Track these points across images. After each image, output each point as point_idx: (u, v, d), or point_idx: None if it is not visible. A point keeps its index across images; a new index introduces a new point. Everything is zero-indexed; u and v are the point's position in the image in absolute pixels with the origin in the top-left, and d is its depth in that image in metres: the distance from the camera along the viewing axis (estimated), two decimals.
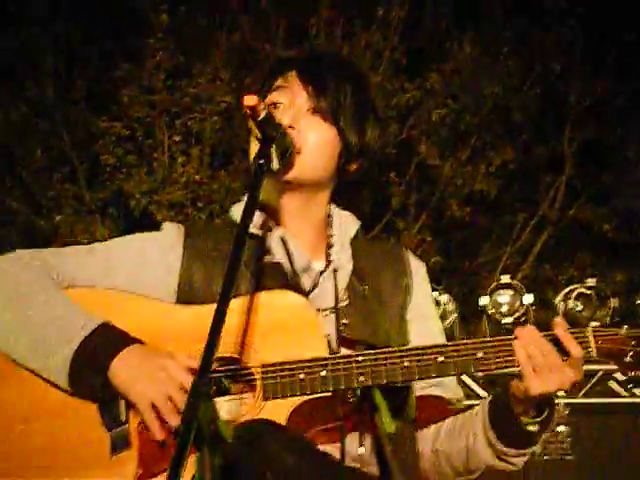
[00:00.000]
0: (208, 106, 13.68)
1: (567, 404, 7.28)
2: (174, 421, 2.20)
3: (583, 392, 7.56)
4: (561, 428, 7.16)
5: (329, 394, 2.29)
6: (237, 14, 14.25)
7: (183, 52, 14.11)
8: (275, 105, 2.58)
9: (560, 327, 2.33)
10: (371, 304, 2.57)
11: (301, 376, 2.28)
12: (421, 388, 2.59)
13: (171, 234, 2.62)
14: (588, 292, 8.13)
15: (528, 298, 8.17)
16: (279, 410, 2.26)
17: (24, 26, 13.58)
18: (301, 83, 2.58)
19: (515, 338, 2.31)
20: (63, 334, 2.31)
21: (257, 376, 2.30)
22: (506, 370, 2.36)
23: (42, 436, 2.34)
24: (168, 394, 2.19)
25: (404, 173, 14.32)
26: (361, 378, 2.28)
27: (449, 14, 14.29)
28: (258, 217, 2.59)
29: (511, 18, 14.32)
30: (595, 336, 2.33)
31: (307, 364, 2.29)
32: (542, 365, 2.28)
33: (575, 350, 2.28)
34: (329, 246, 2.65)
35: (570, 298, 8.11)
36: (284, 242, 2.56)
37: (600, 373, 7.51)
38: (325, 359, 2.30)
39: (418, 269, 2.80)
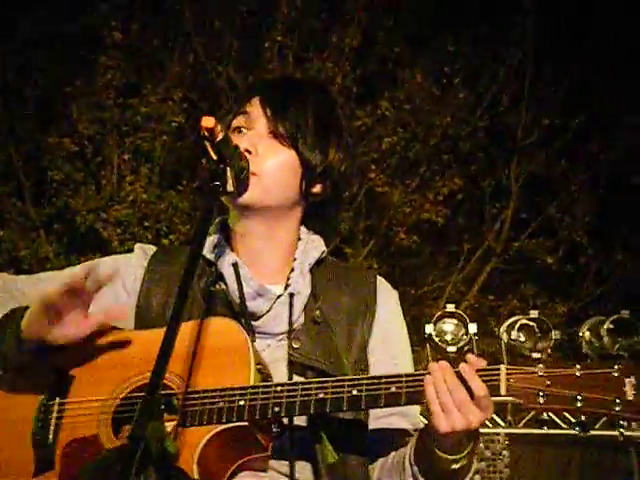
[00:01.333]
0: (159, 125, 13.64)
1: (507, 434, 7.34)
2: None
3: (523, 422, 7.63)
4: (501, 457, 7.22)
5: (245, 424, 2.25)
6: (190, 34, 14.26)
7: (135, 70, 14.07)
8: (238, 130, 2.57)
9: (467, 364, 2.23)
10: (325, 330, 2.55)
11: (220, 404, 2.24)
12: (379, 417, 2.56)
13: (137, 257, 2.63)
14: (531, 323, 8.20)
15: (472, 328, 8.22)
16: (195, 437, 2.23)
17: None
18: (261, 107, 2.58)
19: (428, 373, 2.24)
20: None
21: (178, 403, 2.26)
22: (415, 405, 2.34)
23: None
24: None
25: (353, 199, 14.39)
26: (275, 409, 2.24)
27: (401, 43, 14.43)
28: (215, 242, 2.61)
29: (462, 49, 14.52)
30: (508, 374, 2.21)
31: (229, 392, 2.25)
32: (448, 402, 2.19)
33: (477, 387, 2.19)
34: (292, 270, 2.62)
35: (513, 329, 8.17)
36: (235, 268, 2.53)
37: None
38: (245, 388, 2.26)
39: (387, 297, 2.73)
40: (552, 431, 7.61)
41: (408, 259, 15.25)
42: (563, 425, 7.62)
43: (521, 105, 14.98)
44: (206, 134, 2.21)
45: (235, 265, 2.53)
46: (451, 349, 8.26)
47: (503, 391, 2.20)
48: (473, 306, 14.52)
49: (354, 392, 2.24)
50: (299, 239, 2.68)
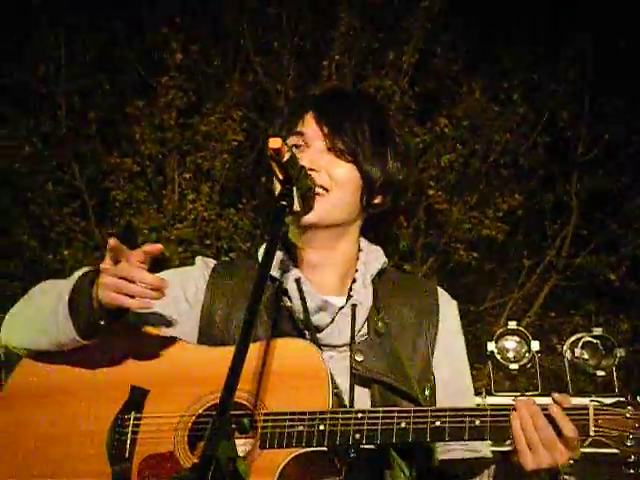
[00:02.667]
0: (219, 144, 13.76)
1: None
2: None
3: (589, 441, 7.52)
4: (567, 477, 7.11)
5: (324, 449, 2.26)
6: (250, 54, 14.40)
7: (195, 90, 14.23)
8: (295, 147, 2.55)
9: (556, 404, 2.22)
10: (389, 341, 2.54)
11: (300, 428, 2.25)
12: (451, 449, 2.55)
13: (200, 269, 2.65)
14: (594, 341, 8.09)
15: (535, 345, 8.14)
16: (274, 459, 2.23)
17: (40, 61, 13.74)
18: (316, 124, 2.58)
19: (513, 409, 2.23)
20: (57, 298, 2.41)
21: (258, 424, 2.28)
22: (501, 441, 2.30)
23: (49, 463, 2.37)
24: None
25: (412, 216, 14.36)
26: (357, 436, 2.24)
27: (460, 59, 14.41)
28: (278, 258, 2.59)
29: (520, 64, 14.45)
30: (596, 414, 2.19)
31: (308, 416, 2.25)
32: (535, 440, 2.19)
33: (568, 430, 2.18)
34: (353, 281, 2.63)
35: (577, 347, 8.07)
36: (298, 284, 2.55)
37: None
38: (324, 413, 2.27)
39: (449, 308, 2.73)
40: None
41: (468, 276, 15.16)
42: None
43: (581, 120, 14.84)
44: (273, 155, 2.24)
45: (298, 281, 2.56)
46: (513, 367, 8.18)
47: (592, 432, 2.18)
48: (535, 323, 14.37)
49: (437, 423, 2.24)
50: (359, 250, 2.70)
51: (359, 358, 2.46)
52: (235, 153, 13.94)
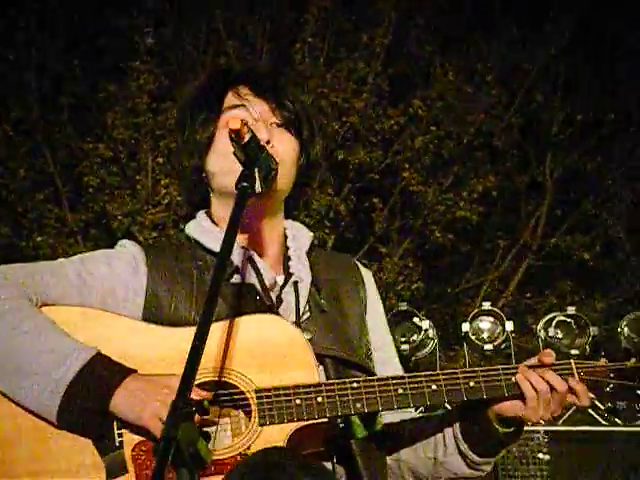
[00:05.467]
0: None
1: (547, 432, 7.29)
2: None
3: (562, 420, 7.58)
4: (541, 456, 7.16)
5: (325, 420, 2.29)
6: (222, 38, 14.32)
7: (167, 75, 14.15)
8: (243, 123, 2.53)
9: (547, 357, 2.45)
10: (332, 316, 2.59)
11: (297, 402, 2.27)
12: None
13: (134, 253, 2.58)
14: (568, 320, 8.16)
15: (509, 325, 8.19)
16: (277, 436, 2.25)
17: (9, 48, 13.61)
18: (258, 97, 2.59)
19: (515, 372, 2.40)
20: (57, 365, 2.24)
21: (252, 401, 2.28)
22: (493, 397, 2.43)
23: (31, 461, 2.28)
24: None
25: (387, 199, 14.38)
26: (357, 405, 2.29)
27: (433, 41, 14.40)
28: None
29: (494, 46, 14.46)
30: (577, 368, 2.44)
31: (302, 389, 2.28)
32: (547, 402, 2.39)
33: (561, 386, 2.39)
34: (287, 259, 2.65)
35: (550, 326, 8.14)
36: (252, 261, 2.56)
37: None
38: (319, 385, 2.29)
39: (369, 277, 2.83)
40: (592, 428, 7.56)
41: (444, 258, 15.22)
42: (603, 422, 7.57)
43: (555, 101, 14.88)
44: (233, 136, 2.22)
45: (251, 258, 2.56)
46: (488, 347, 8.25)
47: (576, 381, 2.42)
48: (510, 304, 14.45)
49: (433, 387, 2.35)
50: (284, 228, 2.72)
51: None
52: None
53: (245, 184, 2.26)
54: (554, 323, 8.13)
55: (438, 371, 2.40)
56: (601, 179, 14.99)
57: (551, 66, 14.66)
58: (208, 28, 14.46)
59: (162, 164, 13.81)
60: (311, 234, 2.76)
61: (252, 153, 2.28)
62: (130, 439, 2.27)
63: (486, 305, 8.46)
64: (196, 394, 2.14)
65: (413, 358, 8.36)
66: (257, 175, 2.30)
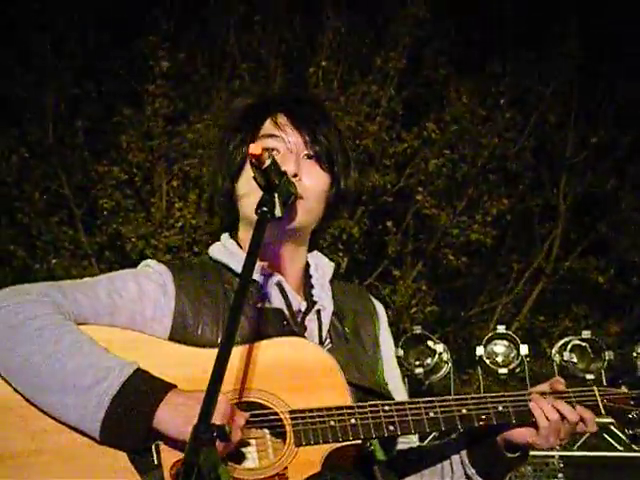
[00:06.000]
0: (206, 151, 13.75)
1: (562, 457, 7.25)
2: (225, 451, 2.15)
3: (577, 445, 7.53)
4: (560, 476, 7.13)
5: (358, 442, 2.31)
6: (236, 61, 14.41)
7: (182, 98, 14.23)
8: (270, 151, 2.52)
9: (559, 385, 2.52)
10: (353, 345, 2.62)
11: (332, 423, 2.29)
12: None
13: (162, 273, 2.57)
14: (583, 344, 8.13)
15: (523, 349, 8.17)
16: (313, 456, 2.26)
17: (27, 72, 13.73)
18: (294, 129, 2.60)
19: (530, 397, 2.45)
20: (99, 380, 2.22)
21: (286, 422, 2.29)
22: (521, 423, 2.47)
23: (73, 478, 2.23)
24: None
25: (401, 222, 14.38)
26: (390, 427, 2.32)
27: (447, 65, 14.44)
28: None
29: (508, 69, 14.49)
30: (600, 395, 2.50)
31: (335, 411, 2.30)
32: (557, 429, 2.44)
33: (572, 416, 2.44)
34: (310, 287, 2.67)
35: (565, 350, 8.11)
36: (281, 288, 2.57)
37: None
38: (352, 407, 2.31)
39: (382, 309, 2.86)
40: (608, 454, 7.51)
41: (457, 280, 15.18)
42: (619, 447, 7.52)
43: (569, 124, 14.88)
44: (254, 161, 2.23)
45: (279, 284, 2.58)
46: (502, 371, 8.22)
47: (602, 411, 2.50)
48: (524, 327, 14.40)
49: (464, 411, 2.38)
50: (307, 257, 2.74)
51: None
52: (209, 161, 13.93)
53: (265, 209, 2.27)
54: (569, 347, 8.11)
55: (466, 395, 2.42)
56: (615, 202, 14.96)
57: (564, 88, 14.67)
58: (222, 51, 14.55)
59: (176, 187, 13.87)
60: (332, 264, 2.78)
61: (272, 178, 2.29)
62: (168, 457, 2.24)
63: (500, 329, 8.44)
64: (233, 415, 2.17)
65: (427, 382, 8.34)
66: (277, 200, 2.31)
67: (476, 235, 14.27)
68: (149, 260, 2.67)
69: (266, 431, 2.33)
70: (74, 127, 13.95)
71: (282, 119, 2.62)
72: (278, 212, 2.31)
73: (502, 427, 2.46)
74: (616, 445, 7.54)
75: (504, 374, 8.25)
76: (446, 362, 8.37)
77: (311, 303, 2.62)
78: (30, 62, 13.76)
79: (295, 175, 2.52)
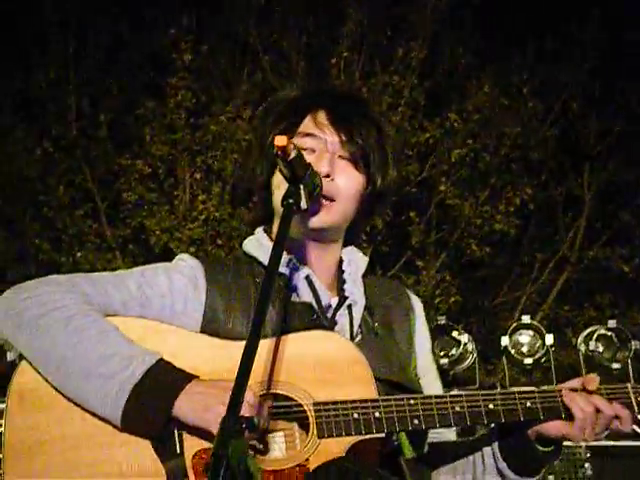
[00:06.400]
0: (229, 144, 13.78)
1: (589, 447, 7.21)
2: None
3: (605, 434, 7.48)
4: (584, 471, 7.09)
5: (382, 435, 2.31)
6: (258, 54, 14.42)
7: (204, 91, 14.26)
8: (307, 150, 2.55)
9: (592, 384, 2.47)
10: (384, 340, 2.61)
11: (355, 416, 2.29)
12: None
13: (193, 267, 2.58)
14: (609, 334, 8.08)
15: (549, 339, 8.13)
16: (335, 449, 2.27)
17: (50, 66, 13.81)
18: (332, 129, 2.58)
19: (561, 394, 2.43)
20: (122, 368, 2.27)
21: (310, 414, 2.30)
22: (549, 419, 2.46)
23: (92, 465, 2.30)
24: None
25: (424, 212, 14.36)
26: (415, 421, 2.32)
27: (469, 54, 14.39)
28: (284, 256, 2.58)
29: (530, 59, 14.43)
30: (634, 393, 2.49)
31: (359, 404, 2.30)
32: (593, 424, 2.43)
33: (608, 410, 2.43)
34: (342, 282, 2.67)
35: (591, 340, 8.06)
36: (310, 282, 2.58)
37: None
38: (376, 400, 2.31)
39: (418, 305, 2.84)
40: (636, 443, 7.46)
41: (481, 271, 15.15)
42: None
43: (592, 112, 14.79)
44: (279, 153, 2.24)
45: (308, 277, 2.58)
46: (527, 361, 8.18)
47: (636, 409, 2.48)
48: (549, 317, 14.35)
49: (490, 406, 2.38)
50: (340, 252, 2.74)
51: None
52: (245, 152, 13.95)
53: (290, 200, 2.27)
54: (595, 337, 8.06)
55: (495, 390, 2.41)
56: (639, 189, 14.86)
57: (587, 77, 14.57)
58: (244, 44, 14.56)
59: (199, 180, 13.91)
60: (366, 259, 2.77)
61: (298, 170, 2.29)
62: (191, 446, 2.28)
63: (525, 318, 8.40)
64: (258, 404, 2.19)
65: (452, 372, 8.32)
66: (302, 192, 2.30)
67: (499, 225, 14.23)
68: (183, 254, 2.69)
69: (294, 423, 2.34)
70: (97, 121, 14.01)
71: (322, 117, 2.61)
72: (304, 204, 2.30)
73: (534, 421, 2.44)
74: None
75: (529, 364, 8.21)
76: (471, 352, 8.34)
77: (343, 298, 2.62)
78: (51, 56, 13.83)
79: (328, 176, 2.52)
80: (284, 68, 14.52)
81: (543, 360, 8.19)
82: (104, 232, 14.15)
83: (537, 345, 8.20)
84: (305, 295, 2.57)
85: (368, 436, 2.30)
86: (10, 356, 6.27)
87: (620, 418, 2.44)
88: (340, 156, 2.59)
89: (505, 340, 8.23)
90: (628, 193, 15.03)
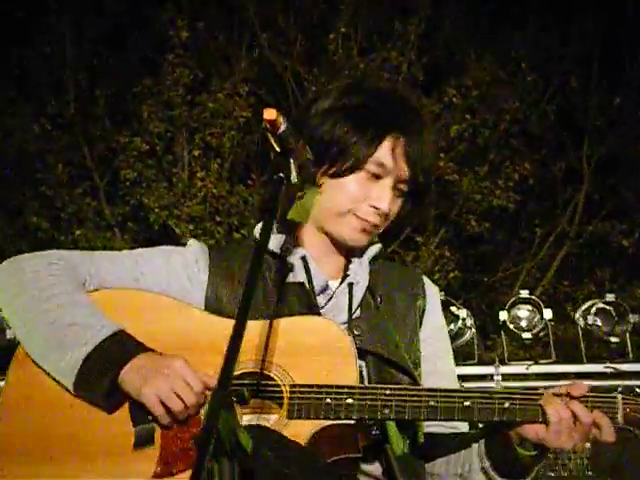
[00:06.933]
0: (227, 121, 13.75)
1: None
2: (181, 415, 2.25)
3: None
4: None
5: (352, 422, 2.33)
6: (256, 30, 14.36)
7: (202, 68, 14.21)
8: (375, 176, 2.57)
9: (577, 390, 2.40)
10: (383, 318, 2.62)
11: (327, 400, 2.31)
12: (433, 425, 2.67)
13: (197, 250, 2.65)
14: (607, 307, 8.07)
15: (547, 313, 8.13)
16: (302, 430, 2.29)
17: (47, 43, 13.76)
18: (405, 164, 2.59)
19: (540, 395, 2.37)
20: (78, 337, 2.35)
21: (285, 394, 2.34)
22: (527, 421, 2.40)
23: (68, 423, 2.39)
24: (173, 389, 2.23)
25: None
26: (385, 411, 2.32)
27: (467, 29, 14.32)
28: (281, 237, 2.68)
29: (529, 33, 14.35)
30: (624, 404, 2.39)
31: (335, 390, 2.32)
32: (569, 428, 2.35)
33: (585, 417, 2.34)
34: (349, 262, 2.70)
35: (589, 314, 8.05)
36: (305, 262, 2.61)
37: (620, 389, 7.48)
38: (353, 387, 2.33)
39: (433, 294, 2.84)
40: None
41: (480, 246, 15.14)
42: None
43: (591, 86, 14.73)
44: (268, 126, 2.23)
45: (304, 258, 2.61)
46: (526, 335, 8.18)
47: (620, 419, 2.37)
48: (548, 292, 14.36)
49: (466, 403, 2.35)
50: None
51: (357, 332, 2.52)
52: (243, 129, 13.93)
53: (280, 174, 2.27)
54: (593, 310, 8.05)
55: (474, 387, 2.40)
56: (639, 163, 14.82)
57: (586, 50, 14.50)
58: (241, 20, 14.49)
59: (197, 157, 13.89)
60: (379, 245, 2.78)
61: (287, 143, 2.29)
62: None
63: (524, 293, 8.40)
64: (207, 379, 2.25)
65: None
66: (293, 165, 2.30)
67: (498, 200, 14.20)
68: (191, 240, 2.75)
69: (272, 402, 2.38)
70: (95, 98, 13.97)
71: (399, 147, 2.60)
72: (294, 178, 2.31)
73: (515, 422, 2.39)
74: None
75: (528, 339, 8.20)
76: (469, 327, 8.33)
77: (344, 277, 2.66)
78: (49, 33, 13.77)
79: (386, 214, 2.60)
80: (282, 44, 14.45)
81: (542, 335, 8.19)
82: (103, 210, 14.16)
83: (536, 320, 8.19)
84: (299, 276, 2.60)
85: (337, 422, 2.31)
86: (9, 334, 6.29)
87: (600, 427, 2.35)
88: (398, 189, 2.63)
89: (503, 315, 8.22)
90: (628, 167, 14.99)
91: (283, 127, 2.24)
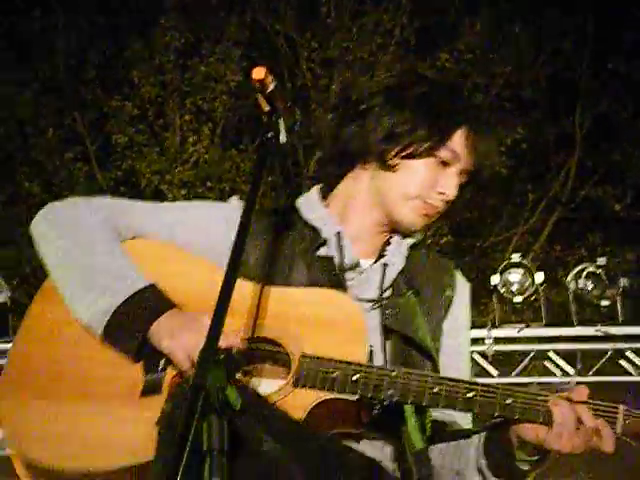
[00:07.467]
0: (219, 85, 13.70)
1: (578, 383, 7.28)
2: None
3: (594, 370, 7.56)
4: None
5: (354, 398, 2.33)
6: None
7: (193, 31, 14.12)
8: (444, 163, 2.61)
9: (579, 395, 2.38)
10: (412, 303, 2.64)
11: (334, 374, 2.32)
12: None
13: (236, 209, 2.61)
14: (598, 271, 8.10)
15: (539, 277, 8.15)
16: (304, 399, 2.31)
17: (38, 7, 13.65)
18: (473, 154, 2.63)
19: (547, 397, 2.35)
20: (112, 285, 2.43)
21: (294, 363, 2.35)
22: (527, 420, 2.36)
23: (82, 361, 2.46)
24: (200, 344, 2.08)
25: None
26: (389, 392, 2.32)
27: None
28: (325, 211, 2.69)
29: None
30: (625, 415, 2.34)
31: (343, 365, 2.33)
32: (571, 432, 2.31)
33: (589, 421, 2.32)
34: (387, 244, 2.71)
35: (580, 277, 8.09)
36: (339, 238, 2.61)
37: (610, 352, 7.53)
38: (361, 365, 2.34)
39: (463, 286, 2.85)
40: (625, 378, 7.54)
41: (472, 211, 15.13)
42: (634, 373, 7.54)
43: (584, 50, 14.68)
44: (257, 86, 2.22)
45: (339, 234, 2.62)
46: (517, 299, 8.21)
47: (618, 430, 2.32)
48: (540, 256, 14.39)
49: (469, 395, 2.34)
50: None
51: (386, 311, 2.56)
52: (235, 94, 13.88)
53: (269, 134, 2.26)
54: (584, 274, 8.09)
55: (479, 381, 2.40)
56: (632, 128, 14.80)
57: (579, 14, 14.43)
58: None
59: (189, 121, 13.84)
60: (421, 235, 2.80)
61: (276, 103, 2.27)
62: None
63: (515, 257, 8.42)
64: (226, 341, 2.16)
65: None
66: (281, 126, 2.29)
67: None
68: (235, 198, 2.76)
69: (283, 369, 2.41)
70: (86, 62, 13.88)
71: (470, 139, 2.63)
72: (283, 137, 2.30)
73: (514, 419, 2.36)
74: (631, 371, 7.57)
75: (519, 303, 8.24)
76: None
77: (380, 257, 2.67)
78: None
79: (449, 201, 2.65)
80: (274, 8, 14.35)
81: (533, 298, 8.22)
82: (94, 175, 14.13)
83: (527, 283, 8.22)
84: (331, 250, 2.62)
85: (340, 396, 2.32)
86: (1, 298, 6.31)
87: (601, 436, 2.31)
88: (460, 173, 2.67)
89: (495, 279, 8.25)
90: (620, 132, 14.98)
91: (272, 86, 2.23)
